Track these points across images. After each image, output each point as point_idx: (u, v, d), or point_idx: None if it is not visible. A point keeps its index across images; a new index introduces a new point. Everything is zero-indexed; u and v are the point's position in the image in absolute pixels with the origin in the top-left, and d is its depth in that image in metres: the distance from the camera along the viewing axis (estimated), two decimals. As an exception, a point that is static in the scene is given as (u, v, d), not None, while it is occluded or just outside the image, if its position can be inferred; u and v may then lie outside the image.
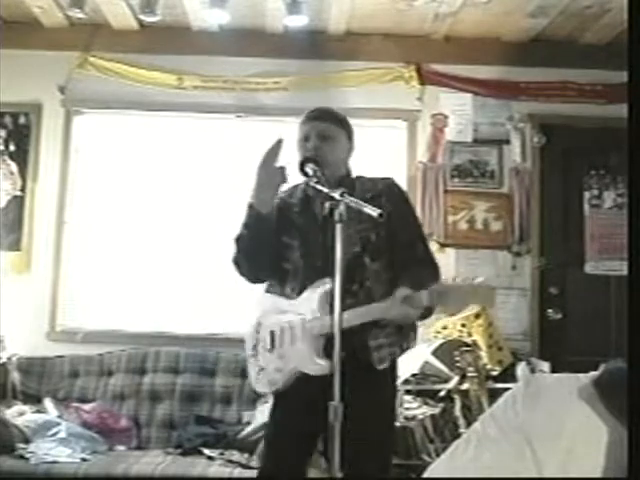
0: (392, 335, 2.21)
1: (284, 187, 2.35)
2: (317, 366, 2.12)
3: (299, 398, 2.20)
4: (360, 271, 2.18)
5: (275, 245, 2.28)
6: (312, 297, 2.18)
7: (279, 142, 2.18)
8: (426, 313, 2.09)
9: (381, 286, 2.18)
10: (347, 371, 1.84)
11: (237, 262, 2.34)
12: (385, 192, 2.27)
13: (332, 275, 2.04)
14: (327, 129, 2.28)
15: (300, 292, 2.23)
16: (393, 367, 2.26)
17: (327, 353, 2.10)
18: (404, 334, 2.26)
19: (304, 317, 2.19)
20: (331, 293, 2.09)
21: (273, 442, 2.32)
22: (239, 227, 2.32)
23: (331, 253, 1.98)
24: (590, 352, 3.72)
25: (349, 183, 2.25)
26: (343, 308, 2.03)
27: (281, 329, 2.24)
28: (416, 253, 2.28)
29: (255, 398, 3.64)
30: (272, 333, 2.26)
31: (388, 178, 2.36)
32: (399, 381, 3.63)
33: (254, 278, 2.35)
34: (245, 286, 2.40)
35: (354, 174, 2.36)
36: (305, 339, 2.17)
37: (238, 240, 2.32)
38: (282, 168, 2.21)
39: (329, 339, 2.09)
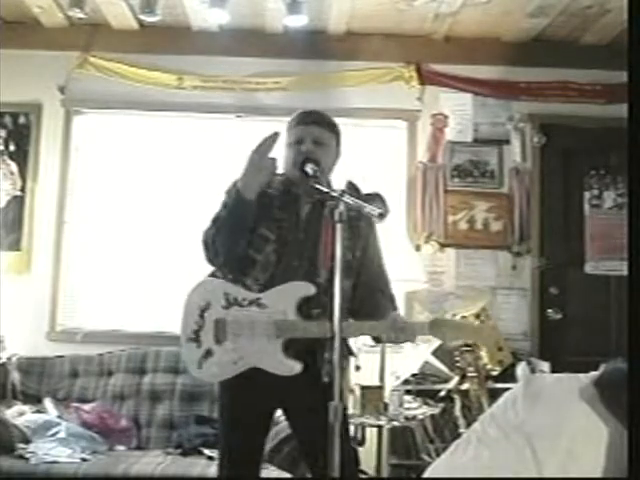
0: (343, 353, 2.21)
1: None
2: (284, 366, 2.12)
3: (251, 394, 2.19)
4: (331, 285, 2.13)
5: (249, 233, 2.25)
6: (286, 297, 2.15)
7: (276, 134, 2.18)
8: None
9: (346, 304, 2.14)
10: (297, 378, 1.87)
11: (207, 243, 2.29)
12: (365, 216, 2.17)
13: (312, 279, 2.06)
14: (322, 135, 2.28)
15: (264, 286, 2.19)
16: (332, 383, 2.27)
17: (290, 355, 2.12)
18: (346, 354, 2.29)
19: (271, 315, 2.15)
20: (311, 299, 2.10)
21: (228, 441, 2.31)
22: (219, 207, 2.28)
23: (313, 255, 2.00)
24: (590, 352, 3.73)
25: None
26: (309, 317, 2.09)
27: (236, 320, 2.17)
28: (383, 281, 2.34)
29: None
30: (222, 322, 2.19)
31: (377, 194, 2.37)
32: (399, 381, 3.67)
33: (219, 264, 2.29)
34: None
35: (340, 185, 2.29)
36: (272, 338, 2.14)
37: (215, 220, 2.27)
38: (274, 159, 2.20)
39: (291, 342, 2.13)
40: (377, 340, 2.29)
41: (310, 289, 2.11)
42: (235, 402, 2.26)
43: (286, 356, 2.13)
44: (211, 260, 2.30)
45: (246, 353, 2.17)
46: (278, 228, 2.24)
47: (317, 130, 2.27)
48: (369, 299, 2.26)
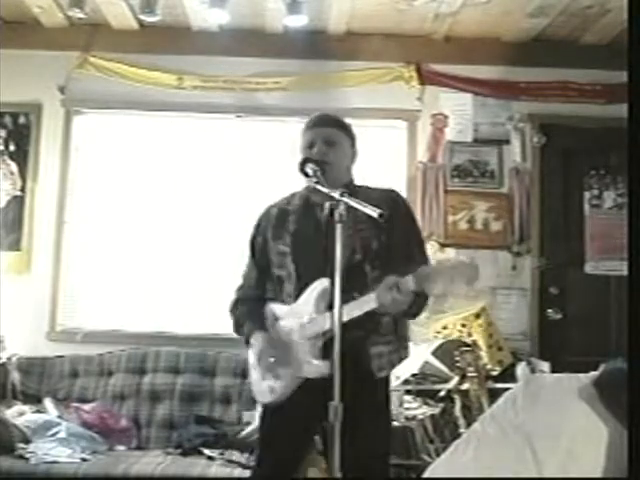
0: (391, 343, 2.22)
1: (281, 196, 2.39)
2: (314, 367, 2.12)
3: (296, 406, 2.18)
4: (361, 278, 2.16)
5: (272, 254, 2.31)
6: (309, 298, 2.18)
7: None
8: (420, 301, 2.06)
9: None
10: (347, 377, 1.84)
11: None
12: (387, 202, 2.19)
13: (330, 275, 2.05)
14: (332, 135, 2.27)
15: (297, 295, 2.23)
16: (388, 376, 2.27)
17: (324, 355, 2.11)
18: (402, 344, 2.28)
19: (302, 320, 2.18)
20: (327, 291, 2.10)
21: (269, 453, 2.29)
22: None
23: (332, 254, 1.98)
24: (590, 352, 3.72)
25: (351, 191, 2.18)
26: (325, 312, 2.07)
27: (278, 336, 2.23)
28: (415, 260, 2.24)
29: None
30: (272, 340, 2.24)
31: (391, 190, 2.36)
32: (399, 381, 3.66)
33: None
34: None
35: (357, 183, 2.34)
36: (302, 342, 2.17)
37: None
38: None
39: (326, 342, 2.11)
40: (406, 313, 2.12)
41: (324, 283, 2.12)
42: (281, 420, 2.25)
43: (317, 357, 2.13)
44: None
45: (285, 364, 2.20)
46: (292, 239, 2.27)
47: (327, 130, 2.27)
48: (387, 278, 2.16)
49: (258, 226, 2.40)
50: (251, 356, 2.33)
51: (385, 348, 2.20)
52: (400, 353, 2.27)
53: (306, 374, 2.15)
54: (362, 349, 2.13)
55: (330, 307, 2.08)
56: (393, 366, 2.25)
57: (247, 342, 2.31)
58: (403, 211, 2.31)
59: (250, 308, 2.36)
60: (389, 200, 2.26)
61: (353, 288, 2.04)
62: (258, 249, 2.38)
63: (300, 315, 2.20)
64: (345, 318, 1.93)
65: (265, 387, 2.27)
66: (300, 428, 2.23)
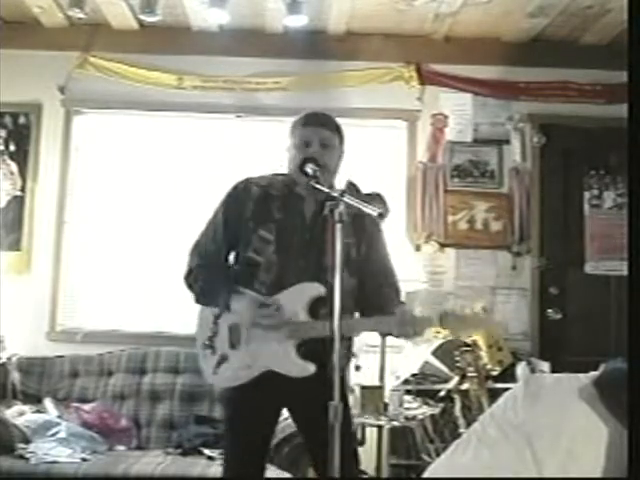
0: (347, 348, 2.26)
1: (260, 174, 2.35)
2: (298, 367, 2.12)
3: (260, 397, 2.19)
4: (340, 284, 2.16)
5: (249, 235, 2.25)
6: (297, 299, 2.16)
7: None
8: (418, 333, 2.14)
9: (351, 302, 2.20)
10: (309, 379, 1.89)
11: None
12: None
13: (320, 279, 2.06)
14: (329, 137, 2.27)
15: (273, 288, 2.20)
16: (343, 379, 2.26)
17: (304, 356, 2.13)
18: (350, 347, 2.32)
19: (282, 317, 2.15)
20: (321, 300, 2.10)
21: (235, 442, 2.30)
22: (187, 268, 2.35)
23: (319, 255, 1.99)
24: (590, 352, 3.72)
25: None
26: (320, 317, 2.08)
27: (261, 309, 2.17)
28: (391, 277, 2.33)
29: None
30: (236, 327, 2.21)
31: (377, 194, 2.37)
32: (399, 381, 3.67)
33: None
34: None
35: (341, 185, 2.31)
36: (284, 340, 2.15)
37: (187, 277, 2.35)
38: None
39: (305, 344, 2.14)
40: (385, 335, 2.29)
41: (320, 289, 2.12)
42: (244, 405, 2.26)
43: (299, 357, 2.13)
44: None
45: (260, 356, 2.18)
46: (277, 229, 2.24)
47: (325, 132, 2.27)
48: (377, 294, 2.25)
49: (234, 197, 2.32)
50: (203, 332, 2.30)
51: (344, 351, 2.20)
52: (348, 358, 2.35)
53: (283, 370, 2.14)
54: (325, 352, 2.08)
55: (318, 316, 2.13)
56: (343, 370, 2.26)
57: (224, 307, 2.22)
58: (380, 227, 2.34)
59: (221, 276, 2.28)
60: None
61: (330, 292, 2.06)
62: (231, 222, 2.30)
63: (282, 312, 2.16)
64: (361, 330, 1.98)
65: (226, 372, 2.23)
66: (263, 417, 2.25)
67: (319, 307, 2.15)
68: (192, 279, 2.33)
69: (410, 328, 2.06)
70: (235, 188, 2.33)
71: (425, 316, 2.05)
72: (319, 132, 2.26)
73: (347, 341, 2.25)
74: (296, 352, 2.14)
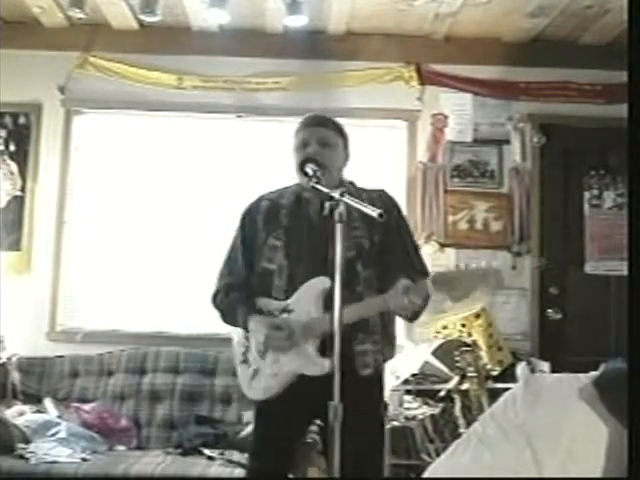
0: (378, 342, 2.22)
1: (273, 189, 2.39)
2: (316, 366, 2.11)
3: (291, 402, 2.18)
4: (352, 277, 2.15)
5: (262, 247, 2.29)
6: (306, 297, 2.18)
7: None
8: (423, 306, 2.08)
9: (372, 293, 2.18)
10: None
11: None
12: (377, 203, 2.18)
13: (327, 274, 2.05)
14: (327, 135, 2.29)
15: (288, 292, 2.22)
16: (379, 374, 2.27)
17: (322, 353, 2.12)
18: (388, 343, 2.28)
19: (299, 317, 2.18)
20: (327, 292, 2.10)
21: (261, 447, 2.31)
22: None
23: (326, 253, 1.99)
24: (590, 352, 3.72)
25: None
26: (327, 312, 2.05)
27: (273, 332, 2.19)
28: (411, 262, 2.30)
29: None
30: (264, 337, 2.22)
31: (380, 190, 2.37)
32: (399, 381, 3.66)
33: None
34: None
35: (346, 182, 2.34)
36: (303, 340, 2.16)
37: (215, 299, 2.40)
38: None
39: (323, 340, 2.12)
40: (409, 318, 2.18)
41: (325, 283, 2.11)
42: (276, 416, 2.25)
43: (318, 355, 2.13)
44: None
45: (284, 362, 2.19)
46: (285, 234, 2.27)
47: (322, 131, 2.28)
48: (395, 280, 2.13)
49: (247, 216, 2.38)
50: (238, 348, 2.31)
51: (371, 347, 2.20)
52: (385, 353, 2.27)
53: (306, 371, 2.14)
54: (346, 346, 2.06)
55: (331, 306, 2.09)
56: (378, 365, 2.24)
57: (243, 327, 2.27)
58: (395, 212, 2.34)
59: (242, 295, 2.32)
60: (378, 199, 2.28)
61: (343, 286, 1.99)
62: (247, 239, 2.36)
63: (297, 312, 2.19)
64: (353, 319, 1.96)
65: (260, 384, 2.25)
66: (294, 425, 2.24)
67: (328, 300, 2.13)
68: (218, 300, 2.39)
69: (413, 296, 1.97)
70: (248, 208, 2.40)
71: (420, 283, 1.99)
72: (317, 131, 2.28)
73: (376, 333, 2.20)
74: (316, 350, 2.14)
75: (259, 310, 2.25)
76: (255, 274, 2.32)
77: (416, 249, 2.38)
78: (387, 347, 2.28)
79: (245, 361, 2.31)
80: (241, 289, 2.34)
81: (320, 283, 2.14)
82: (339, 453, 1.80)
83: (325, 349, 2.11)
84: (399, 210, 2.38)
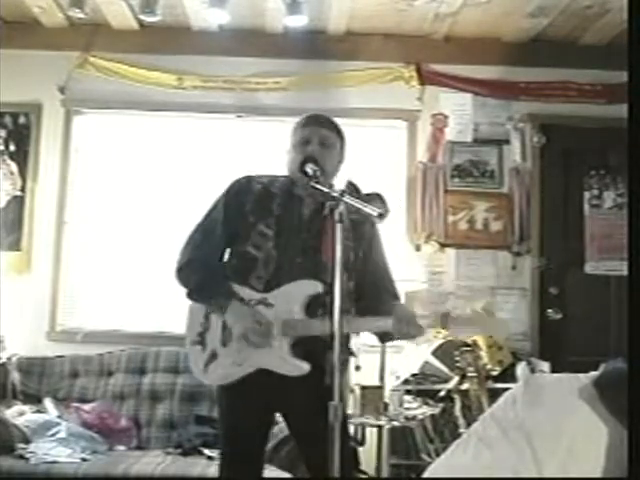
0: (345, 352, 2.23)
1: (262, 173, 2.37)
2: (292, 366, 2.12)
3: (254, 396, 2.18)
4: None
5: (248, 230, 2.25)
6: (292, 296, 2.16)
7: None
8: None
9: (349, 304, 2.16)
10: (300, 380, 1.89)
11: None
12: (368, 217, 2.17)
13: (317, 277, 2.06)
14: (328, 136, 2.29)
15: (269, 284, 2.19)
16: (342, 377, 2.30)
17: (295, 354, 2.12)
18: (347, 354, 2.30)
19: (278, 314, 2.15)
20: (319, 297, 2.10)
21: (228, 443, 2.30)
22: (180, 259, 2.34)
23: (317, 254, 2.00)
24: (590, 352, 3.72)
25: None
26: (316, 315, 2.09)
27: (254, 325, 2.16)
28: (391, 284, 2.35)
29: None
30: (243, 329, 2.18)
31: (377, 194, 2.38)
32: (399, 381, 3.67)
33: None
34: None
35: (341, 186, 2.32)
36: (279, 337, 2.14)
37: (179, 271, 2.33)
38: None
39: (298, 342, 2.13)
40: (384, 339, 2.28)
41: (317, 287, 2.12)
42: (236, 404, 2.25)
43: (293, 356, 2.12)
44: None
45: (251, 355, 2.16)
46: (277, 224, 2.25)
47: (324, 131, 2.29)
48: (375, 297, 2.26)
49: (235, 194, 2.31)
50: (194, 327, 2.26)
51: (341, 355, 2.19)
52: (346, 364, 2.34)
53: (278, 369, 2.13)
54: (322, 354, 2.04)
55: (314, 314, 2.12)
56: (345, 369, 2.33)
57: (219, 311, 2.21)
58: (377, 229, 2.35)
59: (216, 276, 2.25)
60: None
61: (326, 293, 2.04)
62: (232, 217, 2.29)
63: (277, 309, 2.16)
64: (361, 330, 1.97)
65: (217, 369, 2.22)
66: (255, 419, 2.24)
67: (315, 305, 2.14)
68: (185, 274, 2.30)
69: (409, 327, 2.06)
70: (237, 182, 2.33)
71: (425, 317, 2.05)
72: (318, 131, 2.28)
73: (345, 340, 2.23)
74: (290, 350, 2.13)
75: (240, 298, 2.20)
76: (235, 256, 2.27)
77: (388, 265, 2.39)
78: (346, 359, 2.33)
79: (201, 342, 2.25)
80: (212, 267, 2.28)
81: (311, 286, 2.13)
82: (337, 454, 1.80)
83: (300, 351, 2.12)
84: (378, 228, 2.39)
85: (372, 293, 2.27)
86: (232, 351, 2.19)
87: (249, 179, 2.34)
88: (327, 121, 2.33)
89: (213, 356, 2.22)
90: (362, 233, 2.28)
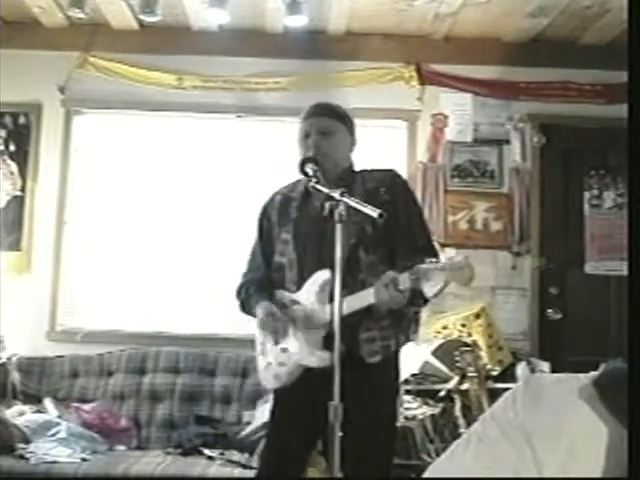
0: (387, 328, 2.18)
1: (286, 182, 2.41)
2: (316, 358, 2.12)
3: (301, 393, 2.20)
4: (354, 263, 2.16)
5: (276, 242, 2.34)
6: (311, 289, 2.20)
7: None
8: (420, 298, 2.03)
9: (374, 279, 2.08)
10: (341, 365, 1.83)
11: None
12: (385, 182, 2.28)
13: (329, 266, 2.04)
14: (327, 124, 2.29)
15: (299, 284, 2.24)
16: (389, 362, 2.23)
17: (326, 345, 2.10)
18: (402, 327, 2.22)
19: (304, 309, 2.20)
20: (328, 283, 2.11)
21: (276, 439, 2.32)
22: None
23: (328, 246, 2.00)
24: (590, 352, 3.72)
25: (350, 177, 2.29)
26: (325, 305, 2.08)
27: (283, 322, 2.23)
28: (417, 241, 2.27)
29: (255, 398, 3.65)
30: (259, 321, 2.27)
31: (390, 170, 2.37)
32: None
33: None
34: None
35: (357, 168, 2.36)
36: (304, 331, 2.18)
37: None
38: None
39: (328, 332, 2.10)
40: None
41: (325, 274, 2.12)
42: (284, 406, 2.30)
43: (320, 347, 2.13)
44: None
45: (290, 352, 2.21)
46: (294, 227, 2.30)
47: (321, 120, 2.29)
48: (407, 261, 2.06)
49: (264, 212, 2.42)
50: (258, 340, 2.34)
51: (378, 333, 2.17)
52: (399, 338, 2.22)
53: (308, 363, 2.16)
54: (351, 335, 2.08)
55: (331, 299, 2.09)
56: (388, 351, 2.19)
57: (253, 314, 2.32)
58: (402, 192, 2.31)
59: (258, 287, 2.37)
60: (386, 178, 2.30)
61: (345, 273, 1.97)
62: (264, 235, 2.41)
63: (303, 305, 2.21)
64: (346, 311, 1.95)
65: (270, 373, 2.28)
66: (305, 415, 2.21)
67: (330, 292, 2.13)
68: (242, 293, 2.43)
69: (394, 292, 1.96)
70: (264, 205, 2.44)
71: (399, 276, 1.96)
72: (316, 121, 2.29)
73: (383, 319, 2.16)
74: (319, 342, 2.14)
75: (269, 298, 2.29)
76: (273, 270, 2.36)
77: (423, 226, 2.34)
78: (401, 332, 2.22)
79: (263, 352, 2.33)
80: (258, 282, 2.39)
81: (322, 275, 2.15)
82: (339, 452, 1.79)
83: (328, 341, 2.08)
84: (407, 191, 2.34)
85: (404, 258, 2.13)
86: (279, 352, 2.24)
87: (274, 194, 2.43)
88: (325, 109, 2.33)
89: (269, 362, 2.29)
90: (379, 200, 2.15)
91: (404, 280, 1.94)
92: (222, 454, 3.35)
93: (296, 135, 2.34)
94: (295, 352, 2.20)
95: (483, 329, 3.72)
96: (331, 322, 2.02)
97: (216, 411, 3.73)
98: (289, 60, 4.30)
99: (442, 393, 3.62)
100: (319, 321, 2.15)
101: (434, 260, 1.97)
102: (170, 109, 4.31)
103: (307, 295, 2.21)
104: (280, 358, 2.24)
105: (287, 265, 2.29)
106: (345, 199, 1.92)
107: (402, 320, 2.22)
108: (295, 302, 2.24)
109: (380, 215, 1.89)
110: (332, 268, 2.00)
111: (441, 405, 3.58)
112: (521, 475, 1.47)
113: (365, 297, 2.05)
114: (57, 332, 4.15)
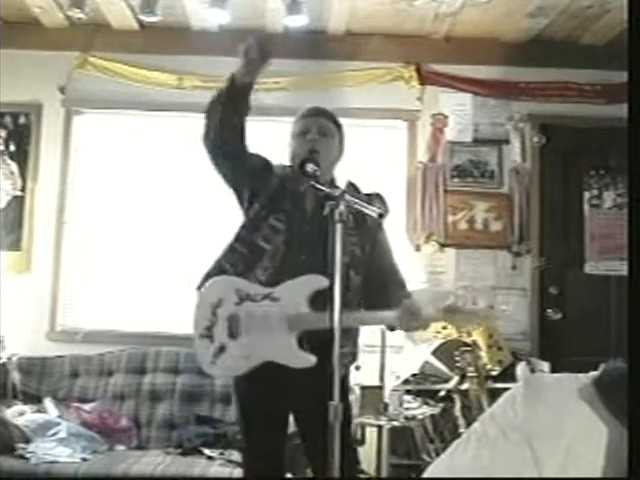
0: (351, 346, 2.28)
1: (279, 163, 2.41)
2: (299, 358, 2.13)
3: (267, 388, 2.21)
4: (344, 281, 2.12)
5: (259, 221, 2.30)
6: (299, 291, 2.17)
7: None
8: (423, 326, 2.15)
9: (357, 299, 2.24)
10: (311, 373, 1.88)
11: (206, 130, 2.46)
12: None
13: (322, 272, 2.06)
14: (327, 126, 2.35)
15: (274, 279, 2.21)
16: (347, 376, 2.32)
17: (301, 347, 2.14)
18: (355, 348, 2.33)
19: (284, 309, 2.17)
20: (324, 292, 2.10)
21: (249, 428, 2.34)
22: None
23: (319, 250, 2.01)
24: (590, 352, 3.72)
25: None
26: (322, 310, 2.06)
27: (250, 315, 2.20)
28: (398, 276, 2.36)
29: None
30: (235, 318, 2.22)
31: (377, 195, 2.38)
32: (399, 381, 3.67)
33: (220, 142, 2.43)
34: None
35: (341, 184, 2.34)
36: (285, 331, 2.16)
37: (210, 103, 2.45)
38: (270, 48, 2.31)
39: (305, 335, 2.15)
40: (391, 329, 2.28)
41: (323, 282, 2.11)
42: (251, 399, 2.30)
43: (300, 349, 2.14)
44: (211, 141, 2.48)
45: (260, 347, 2.19)
46: (287, 220, 2.28)
47: (323, 121, 2.35)
48: (383, 291, 2.27)
49: (264, 175, 2.39)
50: (202, 320, 2.29)
51: (348, 349, 2.23)
52: (355, 356, 2.34)
53: (287, 362, 2.15)
54: (328, 347, 2.07)
55: (320, 309, 2.11)
56: (349, 367, 2.32)
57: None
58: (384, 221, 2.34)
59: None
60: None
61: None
62: (256, 174, 2.39)
63: (283, 303, 2.18)
64: (358, 324, 1.98)
65: (226, 363, 2.25)
66: (273, 405, 2.26)
67: (322, 300, 2.14)
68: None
69: (414, 321, 2.07)
70: (270, 165, 2.42)
71: (430, 309, 2.06)
72: (317, 120, 2.34)
73: (353, 337, 2.28)
74: (297, 344, 2.15)
75: (246, 294, 2.24)
76: (243, 244, 2.32)
77: (396, 262, 2.41)
78: (356, 350, 2.35)
79: (208, 336, 2.28)
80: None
81: (317, 281, 2.14)
82: (338, 453, 1.80)
83: (307, 345, 2.14)
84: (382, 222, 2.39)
85: (379, 287, 2.29)
86: (240, 344, 2.21)
87: (274, 167, 2.41)
88: (326, 112, 2.40)
89: (221, 349, 2.24)
90: (366, 229, 2.30)
91: (429, 312, 2.05)
92: (222, 454, 3.35)
93: (291, 131, 2.37)
94: (266, 349, 2.17)
95: (483, 329, 3.72)
96: (314, 327, 2.08)
97: (216, 411, 3.73)
98: (289, 60, 4.29)
99: (442, 393, 3.62)
100: (301, 324, 2.15)
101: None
102: (170, 109, 4.31)
103: (291, 295, 2.18)
104: (242, 351, 2.20)
105: (270, 253, 2.25)
106: (345, 198, 1.93)
107: (356, 342, 2.33)
108: (267, 297, 2.19)
109: (380, 215, 1.90)
110: (325, 274, 2.03)
111: (441, 405, 3.59)
112: (521, 475, 1.47)
113: (384, 318, 2.15)
114: (57, 332, 4.15)
